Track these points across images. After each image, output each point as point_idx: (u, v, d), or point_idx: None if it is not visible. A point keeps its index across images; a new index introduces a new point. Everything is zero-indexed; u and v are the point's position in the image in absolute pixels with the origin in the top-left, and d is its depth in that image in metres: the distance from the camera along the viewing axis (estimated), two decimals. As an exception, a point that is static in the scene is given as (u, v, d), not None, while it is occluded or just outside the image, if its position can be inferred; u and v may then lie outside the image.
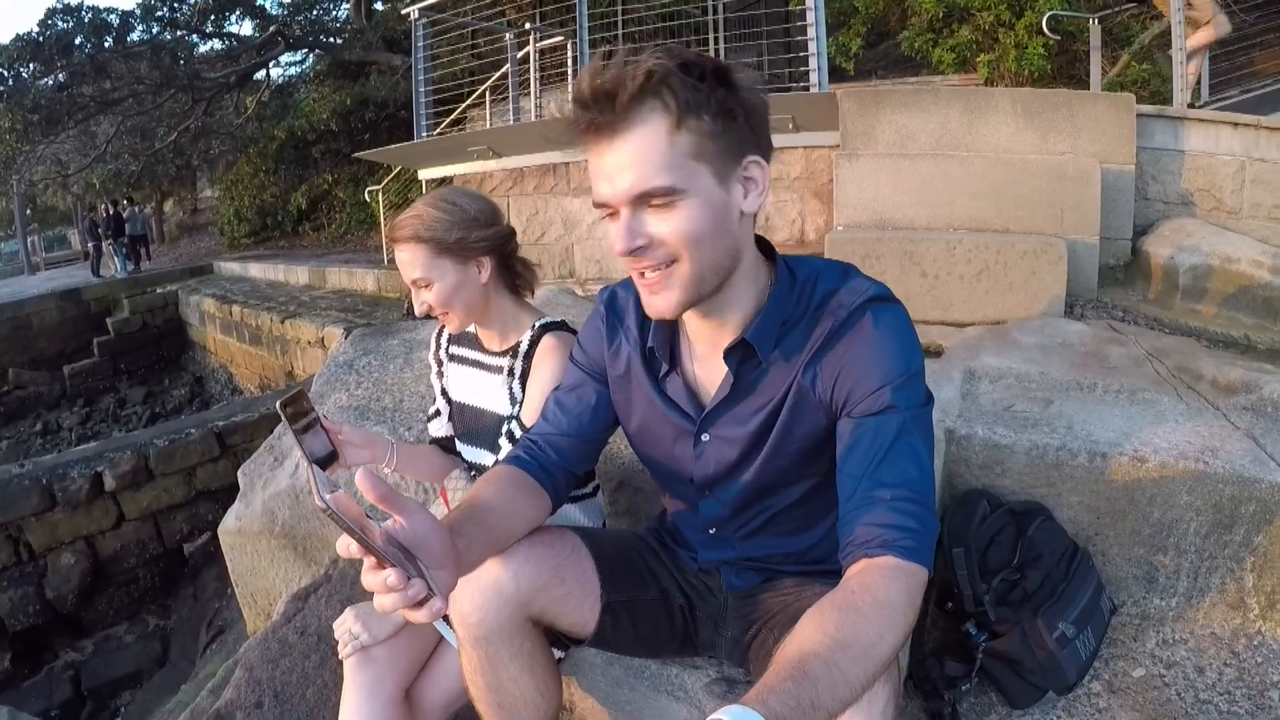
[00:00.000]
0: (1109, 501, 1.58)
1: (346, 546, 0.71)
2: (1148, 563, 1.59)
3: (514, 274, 1.43)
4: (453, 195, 1.35)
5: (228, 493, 5.55)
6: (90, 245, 15.20)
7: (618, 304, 1.14)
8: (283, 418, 1.14)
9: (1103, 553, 1.61)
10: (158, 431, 6.19)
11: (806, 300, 0.98)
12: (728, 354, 0.99)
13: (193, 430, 5.92)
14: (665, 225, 0.87)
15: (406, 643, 1.31)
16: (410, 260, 1.32)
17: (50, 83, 13.73)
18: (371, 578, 0.72)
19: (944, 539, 1.49)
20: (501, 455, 1.33)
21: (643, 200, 0.86)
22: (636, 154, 0.84)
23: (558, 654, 1.26)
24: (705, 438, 1.06)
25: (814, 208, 4.25)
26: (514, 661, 1.07)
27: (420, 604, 0.73)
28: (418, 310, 1.35)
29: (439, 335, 1.58)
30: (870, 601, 0.79)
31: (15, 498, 5.05)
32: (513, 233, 1.41)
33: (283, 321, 8.73)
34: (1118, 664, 1.47)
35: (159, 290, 12.67)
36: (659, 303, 0.93)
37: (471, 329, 1.48)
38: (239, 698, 1.50)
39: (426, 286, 1.33)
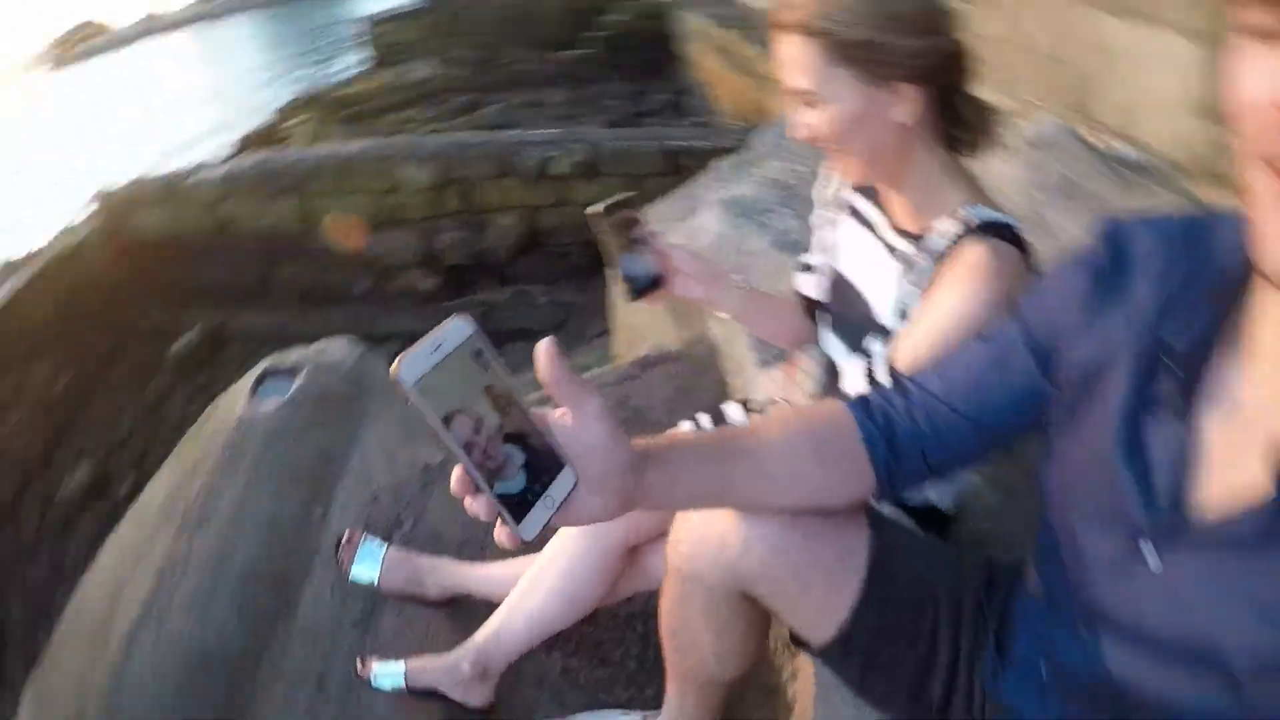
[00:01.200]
0: None
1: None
2: None
3: (956, 119, 0.92)
4: None
5: (669, 205, 6.02)
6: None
7: (1129, 248, 0.63)
8: (604, 224, 0.96)
9: None
10: (615, 135, 6.79)
11: None
12: None
13: (651, 142, 6.35)
14: None
15: None
16: (793, 59, 0.87)
17: None
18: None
19: None
20: (848, 380, 0.97)
21: None
22: None
23: None
24: (1149, 556, 0.55)
25: None
26: (703, 616, 0.88)
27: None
28: (797, 132, 0.92)
29: None
30: None
31: (471, 160, 6.07)
32: (961, 52, 0.89)
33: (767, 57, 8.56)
34: None
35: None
36: None
37: None
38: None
39: (810, 104, 0.89)
